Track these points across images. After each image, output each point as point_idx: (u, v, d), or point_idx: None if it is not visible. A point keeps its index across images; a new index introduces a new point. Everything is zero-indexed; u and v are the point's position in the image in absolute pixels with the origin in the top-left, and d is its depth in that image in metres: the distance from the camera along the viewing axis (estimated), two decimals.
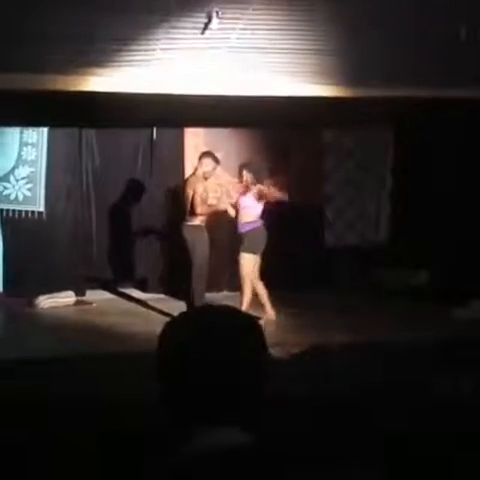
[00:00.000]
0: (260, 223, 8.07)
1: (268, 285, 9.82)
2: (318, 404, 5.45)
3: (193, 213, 7.84)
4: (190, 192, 7.86)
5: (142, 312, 8.48)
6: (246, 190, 8.03)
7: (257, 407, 1.43)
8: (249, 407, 1.42)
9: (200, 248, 7.84)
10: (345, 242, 10.29)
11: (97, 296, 9.27)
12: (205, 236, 7.93)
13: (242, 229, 7.99)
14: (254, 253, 7.97)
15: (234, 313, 1.51)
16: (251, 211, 8.00)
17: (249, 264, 7.94)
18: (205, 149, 8.95)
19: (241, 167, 8.11)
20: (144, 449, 3.48)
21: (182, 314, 1.56)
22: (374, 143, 10.30)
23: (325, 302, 8.75)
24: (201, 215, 7.88)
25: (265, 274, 9.87)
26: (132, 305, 8.88)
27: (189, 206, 7.86)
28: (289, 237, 9.92)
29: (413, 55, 6.30)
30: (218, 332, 1.42)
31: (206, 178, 7.98)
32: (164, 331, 1.48)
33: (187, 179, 8.26)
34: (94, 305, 9.05)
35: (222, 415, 1.39)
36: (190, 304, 7.66)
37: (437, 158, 9.58)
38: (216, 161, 8.07)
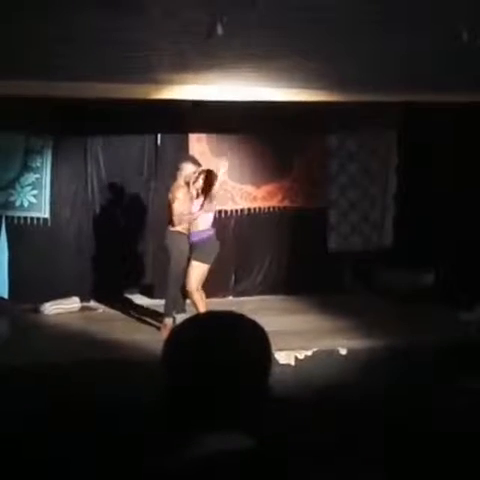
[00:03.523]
0: (212, 232, 7.70)
1: (274, 289, 9.85)
2: (324, 406, 5.46)
3: (173, 220, 7.67)
4: (171, 199, 7.66)
5: (147, 318, 8.47)
6: (197, 197, 7.65)
7: (259, 411, 1.44)
8: (251, 411, 1.43)
9: (177, 254, 7.63)
10: (349, 245, 10.29)
11: (102, 302, 9.28)
12: (184, 243, 7.67)
13: (193, 238, 7.61)
14: (204, 263, 7.56)
15: (239, 319, 1.52)
16: (201, 219, 7.61)
17: (199, 273, 7.54)
18: (210, 155, 8.91)
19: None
20: (144, 453, 3.49)
21: (187, 320, 1.58)
22: (377, 146, 10.31)
23: (330, 305, 8.75)
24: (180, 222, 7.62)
25: (273, 278, 9.92)
26: (137, 311, 8.88)
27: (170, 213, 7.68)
28: (294, 241, 9.93)
29: (415, 60, 6.31)
30: (223, 338, 1.44)
31: (188, 183, 7.68)
32: (170, 336, 1.50)
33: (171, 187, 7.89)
34: (100, 311, 9.06)
35: (223, 419, 1.40)
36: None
37: (440, 161, 9.58)
38: (198, 165, 7.78)
